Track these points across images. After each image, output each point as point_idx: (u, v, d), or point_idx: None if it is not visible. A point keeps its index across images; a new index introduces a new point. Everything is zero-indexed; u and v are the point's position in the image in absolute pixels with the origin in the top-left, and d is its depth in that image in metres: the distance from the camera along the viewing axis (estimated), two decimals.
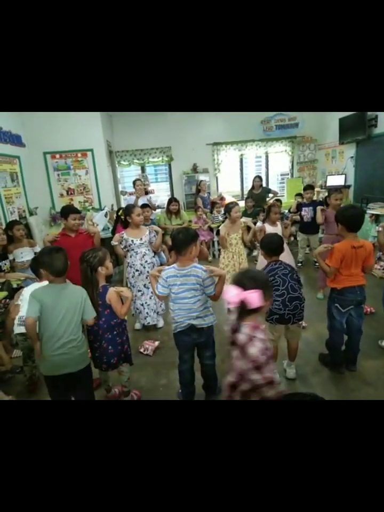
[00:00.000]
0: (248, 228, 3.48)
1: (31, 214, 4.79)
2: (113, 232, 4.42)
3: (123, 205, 6.13)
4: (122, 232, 3.13)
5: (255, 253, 5.15)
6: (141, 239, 3.11)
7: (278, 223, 3.50)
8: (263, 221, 3.62)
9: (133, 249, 3.12)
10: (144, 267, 3.14)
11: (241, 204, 6.35)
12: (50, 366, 1.79)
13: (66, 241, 3.03)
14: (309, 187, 4.71)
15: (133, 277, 3.15)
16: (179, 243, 1.93)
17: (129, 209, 3.10)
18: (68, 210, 3.02)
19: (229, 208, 3.31)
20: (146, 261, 3.14)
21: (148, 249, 3.17)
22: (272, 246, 2.29)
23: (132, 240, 3.09)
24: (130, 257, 3.14)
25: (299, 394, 0.87)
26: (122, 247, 3.07)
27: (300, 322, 2.30)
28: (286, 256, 2.66)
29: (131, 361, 2.26)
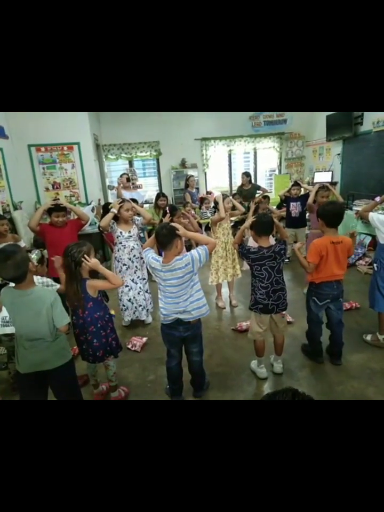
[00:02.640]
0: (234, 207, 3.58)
1: (15, 208, 4.67)
2: (100, 227, 4.37)
3: (110, 200, 6.05)
4: (113, 221, 3.10)
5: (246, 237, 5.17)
6: (130, 231, 3.11)
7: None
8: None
9: (121, 243, 3.10)
10: (132, 262, 3.13)
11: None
12: (26, 363, 1.74)
13: (53, 231, 3.10)
14: (296, 184, 4.78)
15: (120, 271, 3.12)
16: (163, 238, 1.92)
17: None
18: (50, 209, 3.09)
19: (219, 201, 3.35)
20: (134, 255, 3.13)
21: (136, 244, 3.16)
22: (262, 226, 2.25)
23: (121, 232, 3.09)
24: (118, 251, 3.12)
25: (280, 393, 0.87)
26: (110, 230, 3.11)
27: (284, 313, 2.35)
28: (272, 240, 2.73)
29: (116, 354, 2.24)
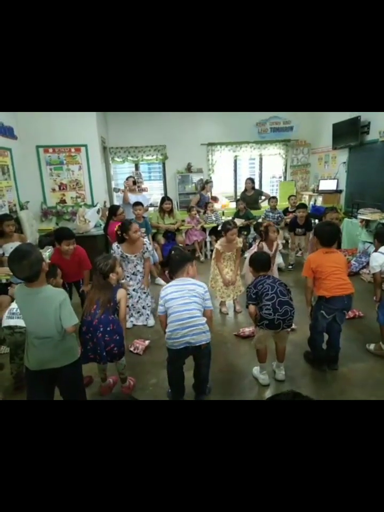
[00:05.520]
0: (242, 252, 3.61)
1: (22, 208, 4.71)
2: (105, 229, 4.39)
3: (116, 202, 6.08)
4: (117, 245, 3.16)
5: (246, 255, 5.18)
6: (136, 255, 3.22)
7: (275, 243, 3.50)
8: (260, 241, 3.56)
9: (125, 260, 3.24)
10: (136, 274, 3.30)
11: (233, 205, 6.40)
12: (35, 360, 1.77)
13: (62, 263, 2.95)
14: (302, 205, 4.84)
15: (123, 280, 3.22)
16: (174, 263, 2.08)
17: (126, 226, 3.08)
18: (61, 237, 2.91)
19: (227, 228, 3.28)
20: (138, 270, 3.29)
21: (140, 260, 3.29)
22: (260, 263, 2.44)
23: (127, 255, 3.20)
24: (123, 262, 3.23)
25: (281, 395, 0.88)
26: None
27: (289, 330, 2.36)
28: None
29: (111, 361, 2.27)
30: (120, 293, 2.24)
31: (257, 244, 3.47)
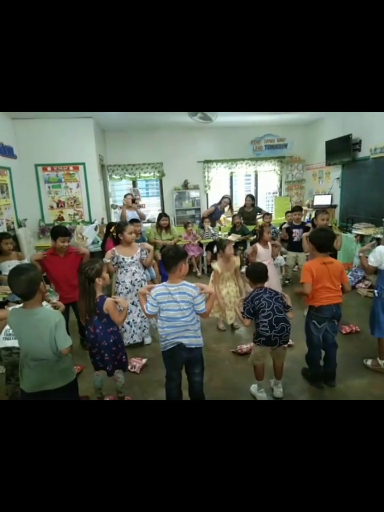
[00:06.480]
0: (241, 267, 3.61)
1: (19, 225, 4.75)
2: (103, 246, 4.41)
3: (113, 219, 6.13)
4: (114, 248, 3.15)
5: (243, 270, 5.20)
6: (132, 257, 3.12)
7: (269, 243, 3.59)
8: (255, 242, 3.65)
9: (123, 267, 3.12)
10: (134, 285, 3.14)
11: (229, 219, 6.46)
12: (30, 382, 1.76)
13: (55, 260, 3.00)
14: (298, 208, 4.86)
15: (121, 294, 3.14)
16: (169, 260, 1.98)
17: (121, 227, 3.10)
18: (56, 233, 2.98)
19: (223, 246, 3.26)
20: (136, 279, 3.14)
21: (138, 267, 3.18)
22: (256, 274, 2.41)
23: (123, 258, 3.10)
24: (120, 274, 3.14)
25: None
26: (113, 263, 3.07)
27: (285, 346, 2.35)
28: (273, 282, 2.77)
29: (125, 368, 2.35)
30: (107, 304, 2.10)
31: (252, 248, 3.54)
